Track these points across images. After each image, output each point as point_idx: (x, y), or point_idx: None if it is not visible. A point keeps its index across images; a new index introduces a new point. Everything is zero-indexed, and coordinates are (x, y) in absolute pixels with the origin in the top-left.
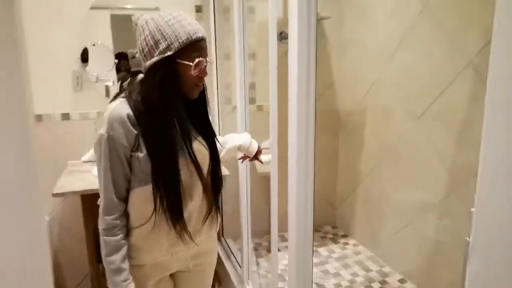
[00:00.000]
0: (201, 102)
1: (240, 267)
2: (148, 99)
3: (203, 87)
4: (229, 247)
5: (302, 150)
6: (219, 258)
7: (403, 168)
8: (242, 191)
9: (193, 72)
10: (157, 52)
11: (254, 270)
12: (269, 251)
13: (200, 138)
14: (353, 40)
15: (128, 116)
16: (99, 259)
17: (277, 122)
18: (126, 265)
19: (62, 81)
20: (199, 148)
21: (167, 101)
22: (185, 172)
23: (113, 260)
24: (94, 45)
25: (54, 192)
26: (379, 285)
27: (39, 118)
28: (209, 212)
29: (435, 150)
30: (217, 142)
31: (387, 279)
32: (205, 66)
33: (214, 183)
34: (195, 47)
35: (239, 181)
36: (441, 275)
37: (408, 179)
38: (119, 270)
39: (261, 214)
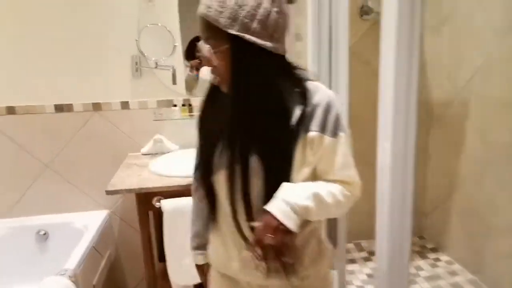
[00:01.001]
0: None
1: None
2: None
3: (236, 83)
4: None
5: (400, 149)
6: None
7: None
8: None
9: None
10: None
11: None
12: (366, 259)
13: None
14: (455, 13)
15: None
16: (160, 258)
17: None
18: (194, 242)
19: (121, 67)
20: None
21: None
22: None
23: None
24: (154, 26)
25: (108, 189)
26: None
27: (98, 106)
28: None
29: None
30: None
31: None
32: (205, 51)
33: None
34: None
35: None
36: None
37: None
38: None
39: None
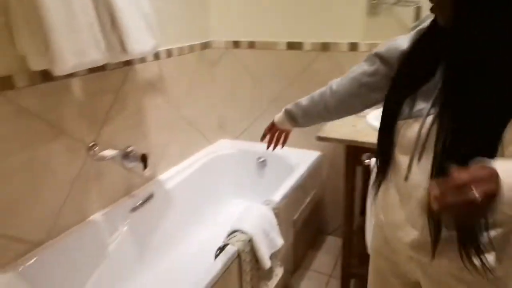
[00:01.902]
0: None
1: None
2: None
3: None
4: None
5: None
6: None
7: None
8: None
9: None
10: None
11: None
12: None
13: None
14: None
15: None
16: (362, 212)
17: None
18: (291, 106)
19: (355, 2)
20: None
21: None
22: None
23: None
24: None
25: (318, 135)
26: None
27: (326, 46)
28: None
29: None
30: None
31: None
32: None
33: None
34: None
35: None
36: None
37: None
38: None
39: None
